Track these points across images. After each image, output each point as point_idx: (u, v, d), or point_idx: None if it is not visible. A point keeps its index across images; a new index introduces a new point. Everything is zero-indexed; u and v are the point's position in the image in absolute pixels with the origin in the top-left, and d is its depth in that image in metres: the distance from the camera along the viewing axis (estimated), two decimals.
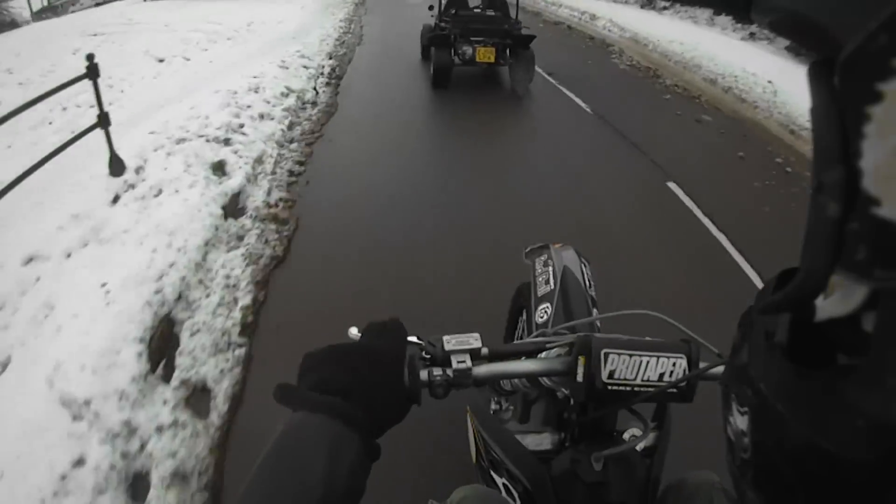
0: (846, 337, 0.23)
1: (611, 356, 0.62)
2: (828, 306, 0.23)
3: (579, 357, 0.64)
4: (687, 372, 0.63)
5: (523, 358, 0.68)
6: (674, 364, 0.63)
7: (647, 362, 0.63)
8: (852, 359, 0.24)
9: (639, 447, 0.79)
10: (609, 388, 0.63)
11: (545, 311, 1.21)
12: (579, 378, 0.64)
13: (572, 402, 0.74)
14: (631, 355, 0.63)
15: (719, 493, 0.75)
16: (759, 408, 0.29)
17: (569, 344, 0.68)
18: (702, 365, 0.64)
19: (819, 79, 0.21)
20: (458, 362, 0.58)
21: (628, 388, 0.63)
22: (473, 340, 0.61)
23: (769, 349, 0.28)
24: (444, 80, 6.39)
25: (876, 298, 0.21)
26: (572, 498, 0.72)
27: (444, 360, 0.59)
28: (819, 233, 0.21)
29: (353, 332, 0.59)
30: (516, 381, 1.32)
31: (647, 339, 0.66)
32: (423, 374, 0.55)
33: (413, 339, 0.59)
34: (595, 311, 1.25)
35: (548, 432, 0.85)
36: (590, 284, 1.32)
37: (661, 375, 0.63)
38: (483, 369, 0.61)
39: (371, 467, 0.47)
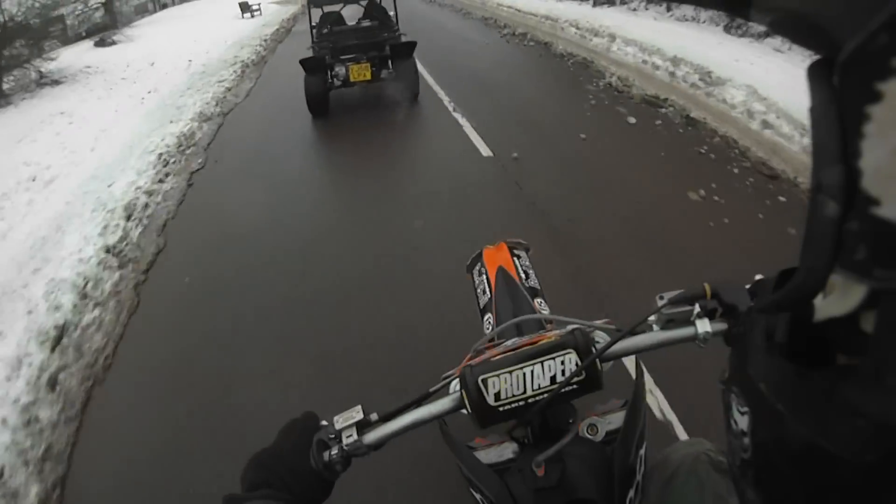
0: (845, 337, 0.23)
1: (490, 381, 0.62)
2: (827, 306, 0.23)
3: (462, 391, 0.65)
4: (579, 364, 0.62)
5: (412, 409, 0.68)
6: (562, 362, 0.62)
7: (532, 371, 0.62)
8: (852, 359, 0.24)
9: (599, 435, 0.78)
10: (500, 409, 0.63)
11: (489, 322, 1.18)
12: (469, 410, 0.64)
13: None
14: (511, 372, 0.63)
15: (704, 463, 0.74)
16: (759, 408, 0.29)
17: (451, 381, 0.70)
18: (594, 350, 0.63)
19: (818, 79, 0.21)
20: (347, 437, 0.63)
21: (521, 403, 0.63)
22: (356, 413, 0.65)
23: (769, 349, 0.28)
24: (320, 109, 5.53)
25: (875, 298, 0.21)
26: None
27: (339, 438, 0.64)
28: (818, 232, 0.21)
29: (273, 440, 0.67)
30: None
31: (527, 347, 0.65)
32: (325, 456, 0.62)
33: (324, 422, 0.66)
34: (538, 300, 1.21)
35: (507, 441, 0.84)
36: (526, 276, 1.28)
37: (553, 378, 0.62)
38: (372, 435, 0.64)
39: None
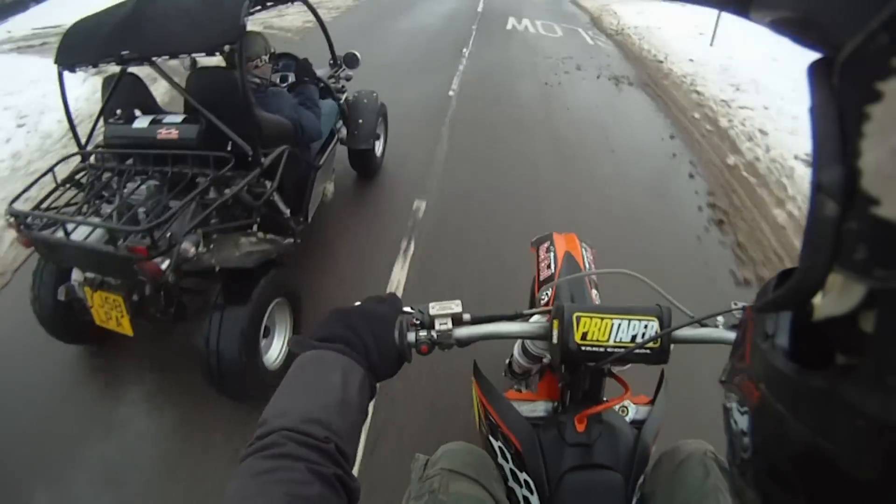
0: (844, 336, 0.23)
1: (582, 319, 0.67)
2: (826, 305, 0.23)
3: (554, 321, 0.70)
4: (658, 332, 0.66)
5: (502, 322, 0.73)
6: (645, 326, 0.67)
7: (619, 325, 0.67)
8: (851, 359, 0.24)
9: (628, 417, 0.85)
10: (582, 348, 0.67)
11: (546, 294, 1.26)
12: (555, 340, 0.69)
13: (563, 369, 0.78)
14: (602, 318, 0.68)
15: (711, 460, 0.79)
16: (760, 408, 0.29)
17: (546, 311, 0.74)
18: (674, 325, 0.67)
19: (818, 78, 0.21)
20: (441, 324, 0.65)
21: (601, 349, 0.67)
22: (455, 306, 0.67)
23: (769, 349, 0.28)
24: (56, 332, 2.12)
25: (874, 298, 0.21)
26: (558, 459, 0.76)
27: (429, 324, 0.66)
28: (818, 231, 0.21)
29: (357, 303, 0.66)
30: (518, 360, 1.35)
31: (621, 306, 0.70)
32: (411, 336, 0.63)
33: (407, 309, 0.67)
34: (594, 291, 1.28)
35: (542, 401, 0.89)
36: (590, 268, 1.37)
37: (634, 337, 0.67)
38: (463, 331, 0.67)
39: (369, 402, 0.55)
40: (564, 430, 0.77)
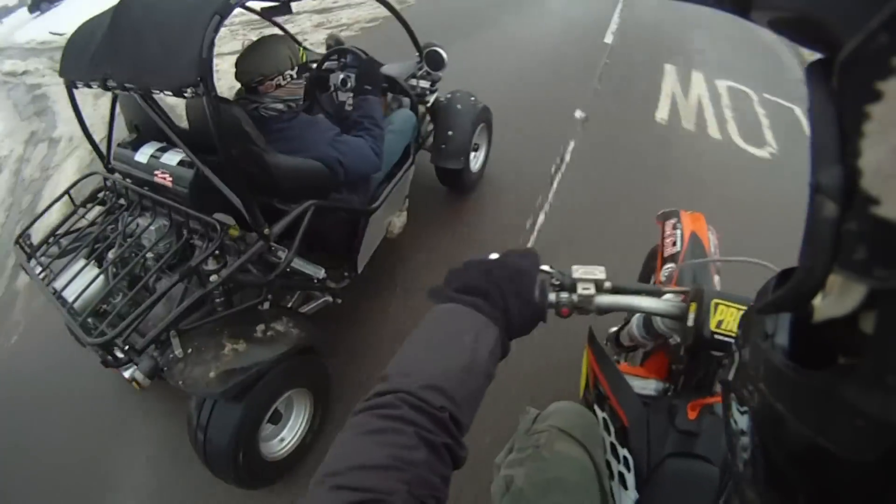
0: (845, 337, 0.23)
1: (720, 307, 0.66)
2: (826, 306, 0.23)
3: (692, 303, 0.68)
4: None
5: (641, 296, 0.71)
6: None
7: None
8: (852, 359, 0.24)
9: None
10: (715, 336, 0.66)
11: (669, 270, 1.25)
12: (690, 323, 0.67)
13: (681, 353, 0.77)
14: (739, 309, 0.66)
15: None
16: (759, 408, 0.29)
17: (684, 291, 0.73)
18: None
19: (818, 78, 0.21)
20: (583, 289, 0.63)
21: (731, 340, 0.65)
22: (599, 272, 0.65)
23: (769, 349, 0.28)
24: None
25: (874, 298, 0.21)
26: (662, 442, 0.75)
27: (570, 286, 0.64)
28: (817, 232, 0.21)
29: (494, 255, 0.64)
30: (636, 334, 1.34)
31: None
32: (551, 296, 0.62)
33: (545, 267, 0.65)
34: (717, 277, 1.26)
35: (654, 379, 0.88)
36: (715, 252, 1.35)
37: None
38: (606, 299, 0.65)
39: (499, 362, 0.52)
40: (676, 414, 0.75)
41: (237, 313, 1.54)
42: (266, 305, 1.61)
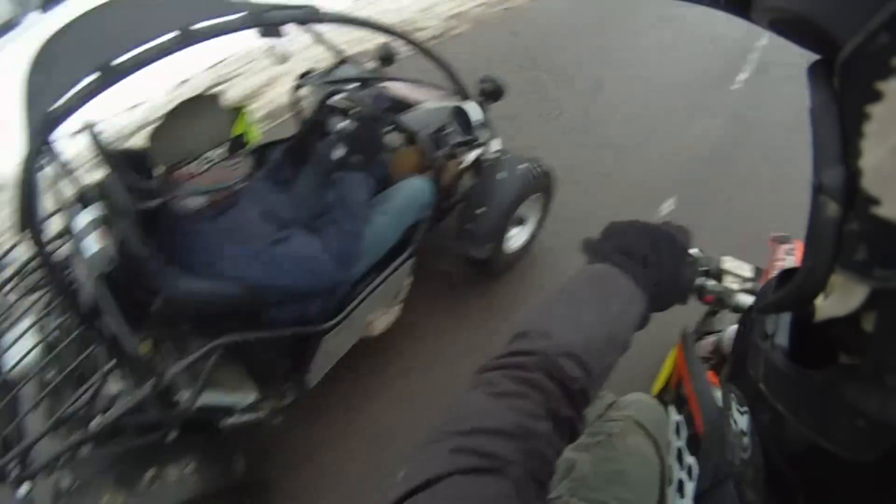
0: (846, 337, 0.23)
1: None
2: (827, 306, 0.23)
3: None
4: None
5: None
6: None
7: None
8: (852, 359, 0.24)
9: None
10: None
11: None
12: None
13: None
14: None
15: None
16: (759, 408, 0.29)
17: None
18: None
19: (818, 79, 0.21)
20: (731, 281, 0.60)
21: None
22: (748, 270, 0.62)
23: (769, 349, 0.28)
24: None
25: (876, 298, 0.21)
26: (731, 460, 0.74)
27: (716, 275, 0.61)
28: (819, 233, 0.21)
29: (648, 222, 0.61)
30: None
31: None
32: (699, 280, 0.59)
33: (694, 250, 0.62)
34: None
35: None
36: None
37: None
38: (746, 299, 0.61)
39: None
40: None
41: (134, 449, 1.20)
42: (173, 436, 1.24)
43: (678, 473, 0.78)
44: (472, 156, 1.74)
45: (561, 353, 0.41)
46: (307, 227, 1.31)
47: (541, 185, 1.88)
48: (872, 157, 0.18)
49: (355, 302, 1.40)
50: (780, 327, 0.28)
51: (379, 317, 1.61)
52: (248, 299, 1.19)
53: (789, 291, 0.23)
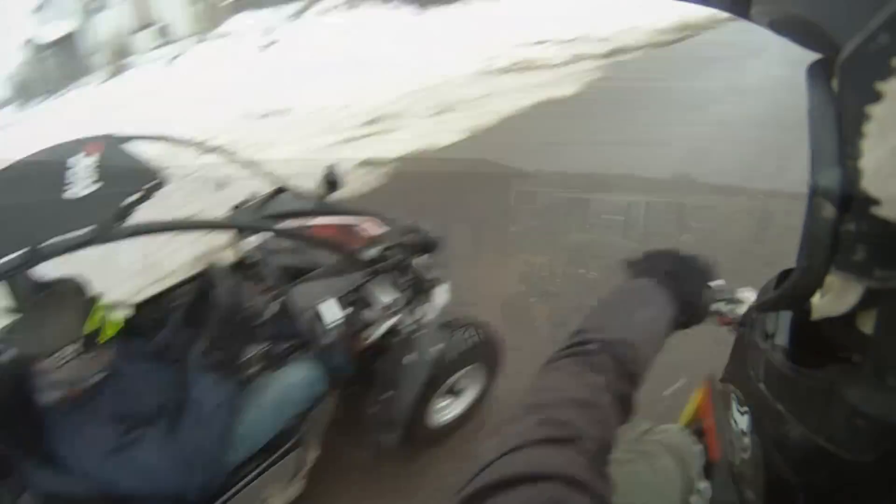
0: (843, 336, 0.23)
1: None
2: (824, 305, 0.23)
3: None
4: None
5: None
6: None
7: None
8: (851, 358, 0.24)
9: None
10: None
11: None
12: None
13: None
14: None
15: None
16: (760, 408, 0.29)
17: None
18: None
19: (818, 79, 0.21)
20: (741, 309, 0.65)
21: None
22: (750, 295, 0.67)
23: (769, 349, 0.28)
24: None
25: (871, 298, 0.21)
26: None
27: (733, 302, 0.66)
28: (815, 233, 0.21)
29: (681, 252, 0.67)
30: None
31: None
32: (714, 306, 0.64)
33: (714, 283, 0.67)
34: None
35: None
36: None
37: None
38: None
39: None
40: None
41: None
42: None
43: (691, 497, 0.83)
44: (379, 331, 1.48)
45: (616, 341, 0.48)
46: (167, 424, 1.23)
47: (477, 355, 1.63)
48: (873, 157, 0.18)
49: (238, 486, 1.31)
50: (781, 328, 0.28)
51: (278, 493, 1.47)
52: (103, 498, 1.16)
53: (786, 290, 0.23)
